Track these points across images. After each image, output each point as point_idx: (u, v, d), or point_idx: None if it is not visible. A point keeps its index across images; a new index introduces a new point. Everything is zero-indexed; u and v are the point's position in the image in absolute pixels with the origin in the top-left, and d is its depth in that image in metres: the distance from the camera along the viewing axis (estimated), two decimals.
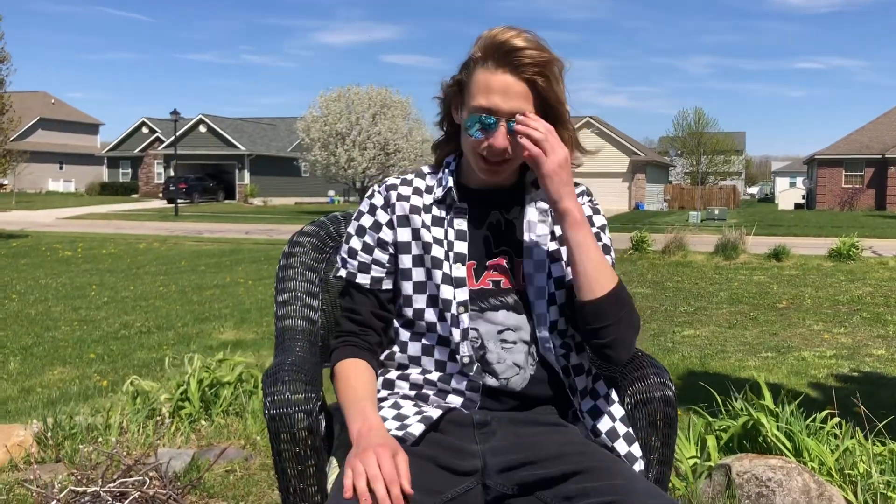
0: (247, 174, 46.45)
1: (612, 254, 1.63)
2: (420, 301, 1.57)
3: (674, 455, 1.65)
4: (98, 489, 2.08)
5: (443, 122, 1.63)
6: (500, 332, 1.53)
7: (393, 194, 1.60)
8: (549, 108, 1.49)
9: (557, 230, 1.55)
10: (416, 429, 1.49)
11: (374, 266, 1.59)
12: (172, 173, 43.93)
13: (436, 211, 1.59)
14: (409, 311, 1.58)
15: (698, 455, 2.96)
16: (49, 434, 3.34)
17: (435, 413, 1.53)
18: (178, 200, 34.61)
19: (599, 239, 1.58)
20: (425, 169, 1.67)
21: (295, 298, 2.00)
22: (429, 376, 1.57)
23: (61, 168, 57.49)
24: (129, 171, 54.08)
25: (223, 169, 47.33)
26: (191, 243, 19.25)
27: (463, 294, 1.54)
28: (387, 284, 1.61)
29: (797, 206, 46.78)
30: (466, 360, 1.52)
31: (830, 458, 2.78)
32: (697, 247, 15.76)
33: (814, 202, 43.94)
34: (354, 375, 1.54)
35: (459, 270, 1.55)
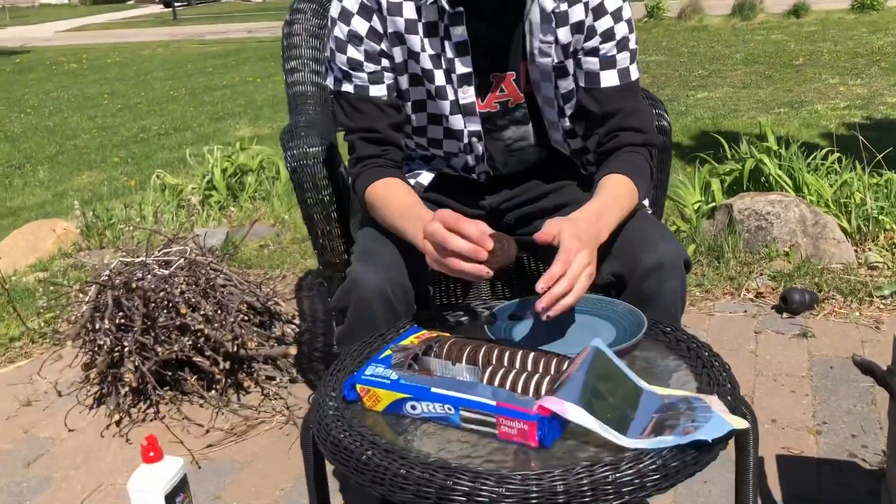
0: None
1: (633, 46, 1.42)
2: (420, 119, 1.49)
3: (668, 179, 1.78)
4: (144, 259, 2.27)
5: None
6: (507, 145, 1.52)
7: (384, 2, 1.36)
8: None
9: (561, 35, 1.38)
10: (426, 178, 1.58)
11: (385, 73, 1.40)
12: None
13: (426, 14, 1.36)
14: (407, 127, 1.50)
15: (703, 199, 3.11)
16: (90, 223, 3.55)
17: (444, 167, 1.58)
18: (175, 3, 33.41)
19: (613, 37, 1.39)
20: None
21: (302, 65, 2.07)
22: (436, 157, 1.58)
23: None
24: None
25: None
26: (194, 46, 18.85)
27: (475, 123, 1.45)
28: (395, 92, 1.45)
29: None
30: (483, 178, 1.54)
31: (828, 190, 2.91)
32: (715, 10, 15.16)
33: None
34: (395, 192, 1.39)
35: (467, 95, 1.42)
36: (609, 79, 1.41)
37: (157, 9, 40.14)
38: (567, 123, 1.47)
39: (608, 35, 1.39)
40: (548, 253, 1.61)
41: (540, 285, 1.09)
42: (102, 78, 13.83)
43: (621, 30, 1.39)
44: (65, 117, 9.76)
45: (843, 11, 14.25)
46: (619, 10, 1.39)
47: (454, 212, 1.15)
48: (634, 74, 1.44)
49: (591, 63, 1.41)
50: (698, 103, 7.64)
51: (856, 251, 2.73)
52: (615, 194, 1.34)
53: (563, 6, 1.36)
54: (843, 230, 2.79)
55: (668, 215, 3.22)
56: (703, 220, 2.96)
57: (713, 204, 3.02)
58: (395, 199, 1.37)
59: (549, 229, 1.16)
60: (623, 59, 1.41)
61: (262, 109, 9.25)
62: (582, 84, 1.43)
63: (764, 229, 2.77)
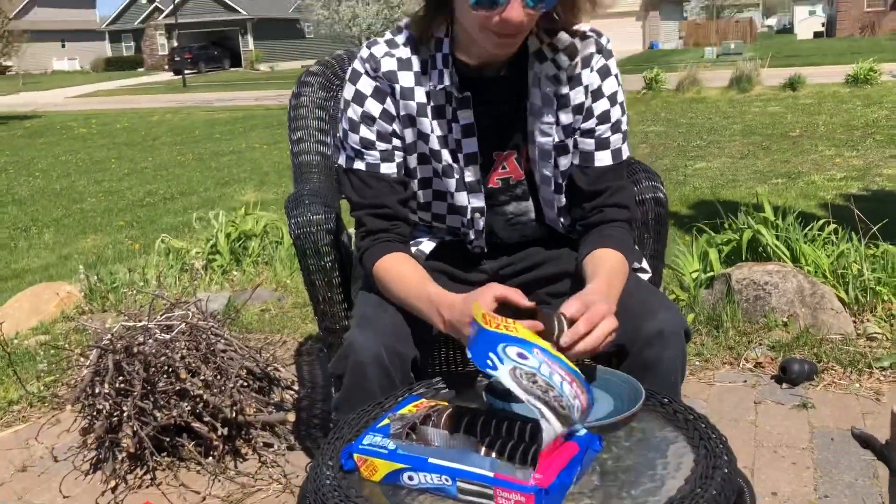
0: (251, 40, 45.47)
1: (624, 128, 1.49)
2: (426, 195, 1.53)
3: (665, 249, 1.80)
4: (146, 323, 2.29)
5: None
6: (508, 219, 1.57)
7: (397, 87, 1.41)
8: None
9: (563, 117, 1.44)
10: (427, 246, 1.61)
11: (395, 153, 1.45)
12: (176, 44, 43.09)
13: (435, 98, 1.42)
14: (412, 203, 1.53)
15: (701, 268, 3.14)
16: (94, 287, 3.58)
17: (446, 236, 1.62)
18: (185, 71, 34.13)
19: (608, 119, 1.45)
20: (403, 35, 1.44)
21: (308, 135, 2.12)
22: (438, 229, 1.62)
23: (63, 46, 56.43)
24: (132, 44, 53.09)
25: (227, 35, 46.33)
26: (203, 113, 19.21)
27: (479, 200, 1.49)
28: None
29: (816, 34, 45.26)
30: (479, 251, 1.59)
31: (825, 261, 2.94)
32: (712, 82, 15.50)
33: (834, 30, 42.46)
34: (403, 268, 1.41)
35: (473, 173, 1.47)
36: (603, 158, 1.48)
37: (168, 76, 41.00)
38: (563, 201, 1.52)
39: (604, 117, 1.45)
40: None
41: (563, 341, 1.13)
42: (111, 142, 14.07)
43: (616, 113, 1.46)
44: (72, 181, 9.89)
45: (838, 85, 14.54)
46: (615, 94, 1.46)
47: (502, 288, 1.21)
48: (625, 154, 1.51)
49: (587, 143, 1.47)
50: (697, 173, 7.75)
51: (854, 322, 2.74)
52: (616, 269, 1.38)
53: (565, 90, 1.42)
54: (841, 301, 2.80)
55: (668, 284, 3.24)
56: (702, 289, 2.98)
57: (711, 273, 3.05)
58: (407, 275, 1.40)
59: (571, 306, 1.19)
60: (616, 140, 1.48)
61: (268, 175, 9.39)
62: (576, 162, 1.48)
63: (762, 299, 2.78)
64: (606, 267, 1.38)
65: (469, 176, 1.47)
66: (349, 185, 1.48)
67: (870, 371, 2.44)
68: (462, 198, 1.49)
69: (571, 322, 1.17)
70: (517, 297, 1.20)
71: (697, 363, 2.63)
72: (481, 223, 1.53)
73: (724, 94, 14.76)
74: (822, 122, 10.87)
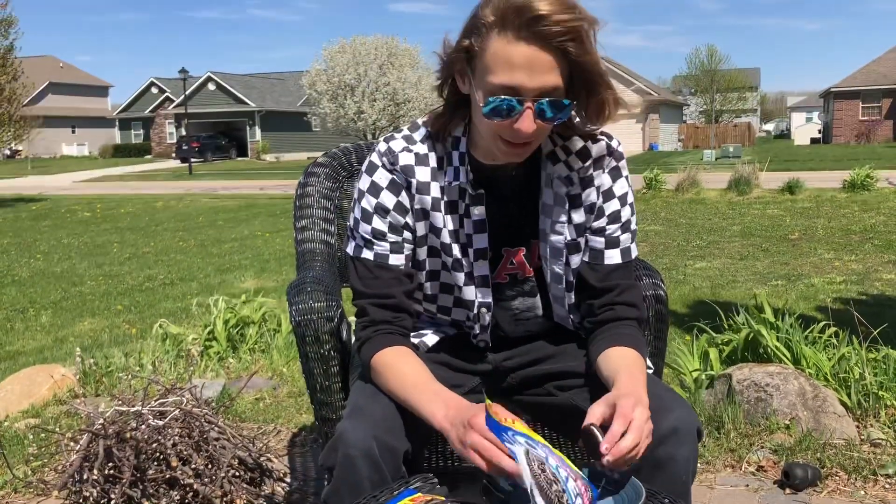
0: (258, 131, 46.49)
1: (633, 227, 1.52)
2: (433, 287, 1.54)
3: (665, 346, 1.80)
4: (140, 409, 2.26)
5: (442, 88, 1.39)
6: (514, 315, 1.58)
7: (413, 182, 1.44)
8: (584, 74, 1.26)
9: (575, 216, 1.46)
10: (431, 339, 1.61)
11: (405, 245, 1.47)
12: (184, 133, 44.03)
13: (449, 194, 1.45)
14: (418, 294, 1.55)
15: (701, 367, 3.11)
16: (88, 370, 3.54)
17: (450, 331, 1.62)
18: (192, 159, 34.78)
19: (619, 219, 1.48)
20: (420, 132, 1.46)
21: (313, 224, 2.14)
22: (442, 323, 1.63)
23: (74, 132, 57.69)
24: (141, 132, 54.22)
25: (234, 126, 47.39)
26: (207, 200, 19.44)
27: (486, 295, 1.51)
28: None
29: (813, 141, 46.31)
30: (483, 345, 1.60)
31: (826, 364, 2.92)
32: (711, 184, 15.76)
33: (830, 136, 43.46)
34: (403, 362, 1.41)
35: (482, 268, 1.49)
36: (612, 256, 1.50)
37: (174, 163, 41.74)
38: (573, 298, 1.53)
39: (615, 217, 1.49)
40: (553, 418, 1.61)
41: (604, 446, 1.12)
42: (114, 227, 14.18)
43: (626, 213, 1.49)
44: (73, 264, 9.92)
45: (836, 190, 14.78)
46: (626, 195, 1.49)
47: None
48: (634, 253, 1.53)
49: (597, 242, 1.50)
50: (696, 273, 7.78)
51: (857, 426, 2.70)
52: (635, 365, 1.38)
53: (577, 190, 1.46)
54: (844, 404, 2.77)
55: (668, 383, 3.21)
56: (703, 389, 2.95)
57: (712, 373, 3.02)
58: (407, 370, 1.39)
59: (596, 411, 1.19)
60: (626, 239, 1.51)
61: (269, 263, 9.42)
62: (586, 259, 1.50)
63: (764, 401, 2.75)
64: (626, 364, 1.37)
65: (478, 271, 1.49)
66: (355, 273, 1.49)
67: (874, 478, 2.39)
68: (470, 292, 1.51)
69: (604, 428, 1.15)
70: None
71: (699, 465, 2.58)
72: (487, 318, 1.54)
73: (724, 196, 14.98)
74: (821, 225, 10.99)
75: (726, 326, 3.38)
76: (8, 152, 40.13)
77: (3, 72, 21.05)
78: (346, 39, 32.54)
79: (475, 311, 1.52)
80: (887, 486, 2.36)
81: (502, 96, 1.25)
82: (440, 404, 1.28)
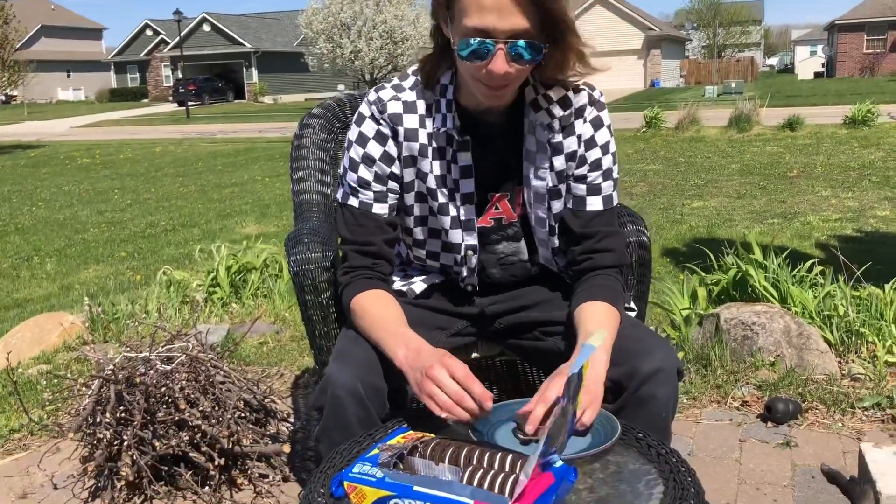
0: (255, 72, 46.00)
1: (615, 176, 1.57)
2: (421, 233, 1.61)
3: (648, 290, 1.88)
4: (148, 354, 2.35)
5: (434, 34, 1.47)
6: (499, 258, 1.64)
7: (400, 130, 1.51)
8: (552, 21, 1.32)
9: (556, 163, 1.52)
10: (419, 287, 1.68)
11: (389, 194, 1.54)
12: (180, 75, 43.62)
13: (437, 140, 1.52)
14: (408, 240, 1.64)
15: (691, 306, 3.20)
16: (96, 317, 3.64)
17: (438, 278, 1.69)
18: (189, 103, 34.51)
19: (600, 167, 1.53)
20: (410, 80, 1.53)
21: (309, 175, 2.20)
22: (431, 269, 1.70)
23: (69, 76, 57.11)
24: (137, 75, 53.68)
25: (231, 68, 46.87)
26: (205, 144, 19.39)
27: (473, 238, 1.58)
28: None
29: (817, 75, 45.78)
30: (471, 289, 1.67)
31: (811, 302, 3.00)
32: (712, 122, 15.67)
33: (834, 70, 42.96)
34: (379, 305, 1.49)
35: (468, 212, 1.55)
36: (594, 203, 1.56)
37: (171, 107, 41.41)
38: (556, 242, 1.60)
39: (596, 165, 1.54)
40: (538, 357, 1.69)
41: (528, 427, 1.21)
42: (114, 173, 14.19)
43: (607, 161, 1.55)
44: (75, 211, 9.99)
45: (836, 126, 14.71)
46: (607, 143, 1.55)
47: (464, 367, 1.26)
48: (615, 200, 1.60)
49: (579, 189, 1.56)
50: (694, 212, 7.83)
51: (839, 362, 2.80)
52: (608, 325, 1.44)
53: (559, 137, 1.52)
54: (827, 341, 2.86)
55: (659, 322, 3.31)
56: (692, 327, 3.04)
57: (700, 312, 3.11)
58: (378, 312, 1.47)
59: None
60: (607, 186, 1.57)
61: (269, 208, 9.48)
62: (569, 206, 1.57)
63: (750, 339, 2.85)
64: (597, 323, 1.43)
65: (464, 214, 1.55)
66: (342, 219, 1.58)
67: (852, 411, 2.50)
68: (456, 235, 1.57)
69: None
70: (471, 381, 1.24)
71: (685, 401, 2.68)
72: (474, 260, 1.61)
73: (724, 134, 14.92)
74: (820, 162, 10.99)
75: (716, 266, 3.46)
76: (3, 98, 39.78)
77: None
78: None
79: (462, 253, 1.59)
80: (864, 418, 2.47)
81: (476, 38, 1.31)
82: (401, 345, 1.36)
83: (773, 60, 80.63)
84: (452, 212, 1.55)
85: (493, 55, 1.32)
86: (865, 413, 2.48)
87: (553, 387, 1.24)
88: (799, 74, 48.76)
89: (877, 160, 10.86)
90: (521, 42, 1.32)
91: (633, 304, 1.72)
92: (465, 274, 1.64)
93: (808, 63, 49.75)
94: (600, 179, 1.55)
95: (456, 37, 1.36)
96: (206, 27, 46.11)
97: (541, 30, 1.33)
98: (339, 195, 1.59)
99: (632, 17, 41.38)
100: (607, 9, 40.81)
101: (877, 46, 41.05)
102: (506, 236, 1.62)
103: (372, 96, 1.53)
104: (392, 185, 1.54)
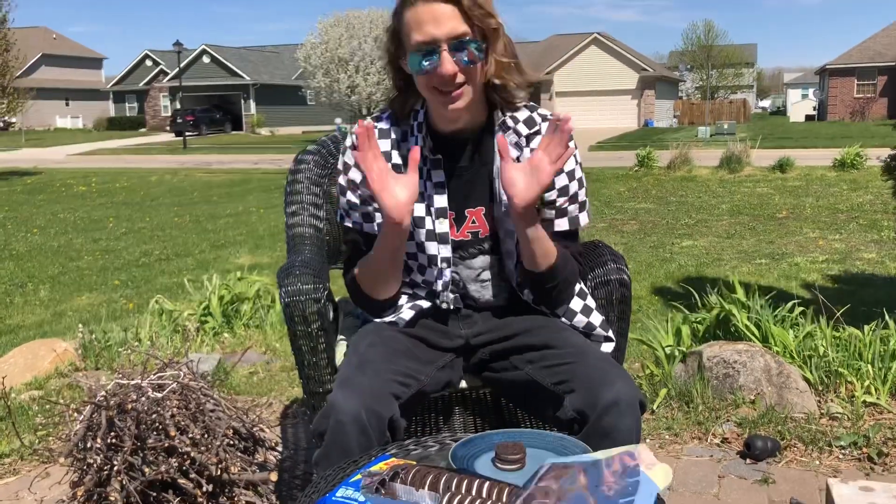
0: (252, 104, 46.35)
1: (581, 199, 1.69)
2: (410, 246, 1.70)
3: (628, 327, 1.94)
4: (139, 382, 2.39)
5: (395, 78, 1.65)
6: (477, 274, 1.73)
7: None
8: (480, 27, 1.51)
9: None
10: (407, 314, 1.75)
11: (376, 214, 1.67)
12: (179, 106, 43.91)
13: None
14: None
15: (674, 344, 3.26)
16: (88, 344, 3.68)
17: (425, 304, 1.76)
18: (186, 133, 34.69)
19: (566, 192, 1.65)
20: (386, 112, 1.71)
21: (302, 209, 2.27)
22: (417, 291, 1.79)
23: (67, 104, 57.40)
24: (136, 105, 54.00)
25: (229, 100, 47.22)
26: (201, 175, 19.50)
27: (447, 250, 1.68)
28: None
29: (808, 118, 46.30)
30: (445, 306, 1.75)
31: (792, 342, 3.07)
32: (704, 161, 15.87)
33: (825, 113, 43.48)
34: (364, 259, 1.68)
35: (443, 225, 1.66)
36: (561, 224, 1.70)
37: (169, 137, 41.58)
38: None
39: (563, 191, 1.67)
40: (516, 394, 1.75)
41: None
42: (109, 201, 14.27)
43: (573, 187, 1.67)
44: (70, 238, 10.04)
45: (826, 168, 14.92)
46: (573, 171, 1.67)
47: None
48: (583, 221, 1.72)
49: (548, 213, 1.67)
50: (683, 251, 7.94)
51: (818, 401, 2.86)
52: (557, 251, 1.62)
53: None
54: (807, 380, 2.92)
55: (644, 359, 3.36)
56: (676, 365, 3.10)
57: (683, 349, 3.17)
58: (366, 257, 1.67)
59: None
60: (573, 209, 1.70)
61: (263, 239, 9.55)
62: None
63: (731, 377, 2.91)
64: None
65: (438, 228, 1.67)
66: (343, 235, 1.79)
67: (830, 449, 2.55)
68: (432, 247, 1.68)
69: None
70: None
71: (667, 437, 2.73)
72: (447, 273, 1.70)
73: (715, 174, 15.10)
74: (809, 204, 11.14)
75: (700, 305, 3.53)
76: (1, 124, 39.93)
77: None
78: (341, 12, 32.37)
79: (438, 265, 1.68)
80: (841, 456, 2.52)
81: (422, 49, 1.51)
82: (386, 223, 1.56)
83: (766, 103, 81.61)
84: (428, 225, 1.67)
85: (441, 58, 1.50)
86: (843, 451, 2.54)
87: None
88: (791, 117, 49.33)
89: (865, 203, 11.01)
90: (461, 41, 1.50)
91: (611, 334, 1.79)
92: (440, 287, 1.72)
93: (799, 106, 50.37)
94: (567, 204, 1.68)
95: (408, 59, 1.55)
96: (206, 59, 46.55)
97: (477, 33, 1.52)
98: (338, 216, 1.77)
99: (626, 58, 41.91)
100: (602, 49, 41.37)
101: (867, 91, 41.63)
102: (482, 250, 1.72)
103: (354, 129, 1.66)
104: (375, 205, 1.65)
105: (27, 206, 14.02)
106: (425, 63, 1.52)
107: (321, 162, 2.32)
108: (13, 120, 40.43)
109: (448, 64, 1.50)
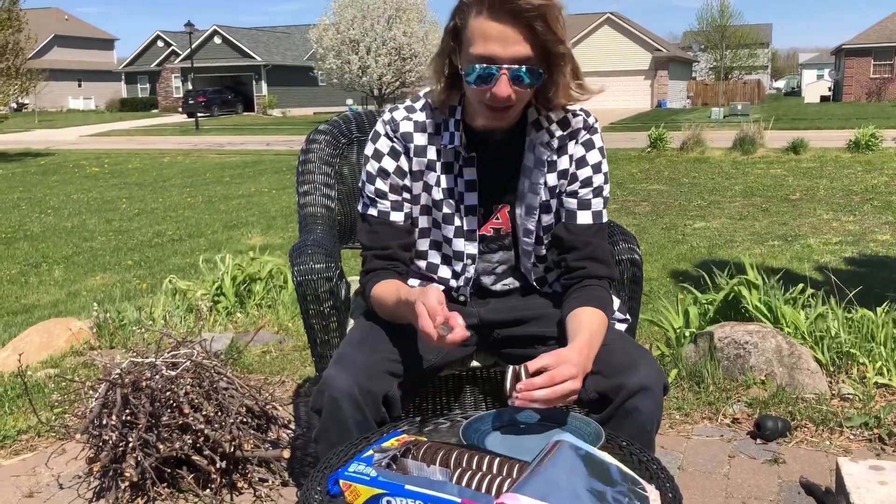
0: (264, 85, 46.30)
1: (605, 194, 1.68)
2: (423, 244, 1.72)
3: (640, 306, 1.94)
4: (154, 360, 2.42)
5: (441, 71, 1.58)
6: (494, 268, 1.75)
7: (411, 146, 1.64)
8: (549, 51, 1.46)
9: (550, 179, 1.64)
10: None
11: (405, 204, 1.67)
12: (190, 87, 43.93)
13: (445, 156, 1.65)
14: (412, 252, 1.73)
15: (683, 325, 3.26)
16: (103, 323, 3.72)
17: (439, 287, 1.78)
18: (198, 114, 34.72)
19: (590, 184, 1.65)
20: (421, 102, 1.67)
21: (314, 189, 2.28)
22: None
23: (80, 85, 57.55)
24: (147, 86, 54.06)
25: (240, 80, 47.19)
26: (213, 156, 19.54)
27: (473, 248, 1.69)
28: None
29: (823, 98, 45.86)
30: (463, 299, 1.76)
31: (803, 323, 3.06)
32: (717, 143, 15.77)
33: (840, 94, 43.07)
34: (394, 288, 1.59)
35: (471, 223, 1.68)
36: (584, 217, 1.68)
37: (181, 118, 41.68)
38: (542, 251, 1.72)
39: (587, 183, 1.67)
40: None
41: (519, 386, 1.28)
42: (122, 182, 14.32)
43: (598, 180, 1.68)
44: (83, 219, 10.10)
45: (840, 150, 14.79)
46: (599, 164, 1.68)
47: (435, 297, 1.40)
48: (605, 217, 1.71)
49: (571, 203, 1.68)
50: (696, 233, 7.91)
51: (829, 382, 2.86)
52: (596, 330, 1.53)
53: (554, 157, 1.65)
54: (818, 361, 2.92)
55: (654, 340, 3.37)
56: (686, 345, 3.10)
57: (694, 330, 3.17)
58: (397, 291, 1.58)
59: (543, 360, 1.33)
60: (597, 203, 1.68)
61: (275, 220, 9.58)
62: (562, 219, 1.68)
63: (742, 357, 2.91)
64: (588, 326, 1.52)
65: (467, 225, 1.68)
66: (362, 228, 1.71)
67: (840, 430, 2.55)
68: (459, 244, 1.69)
69: (536, 374, 1.30)
70: (455, 320, 1.37)
71: (678, 416, 2.74)
72: (471, 270, 1.72)
73: (728, 155, 15.00)
74: (823, 186, 11.06)
75: (710, 287, 3.53)
76: (15, 105, 40.11)
77: (9, 25, 20.99)
78: None
79: (463, 262, 1.69)
80: (851, 437, 2.52)
81: (481, 65, 1.45)
82: (413, 315, 1.44)
83: (780, 83, 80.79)
84: (457, 222, 1.68)
85: (497, 79, 1.45)
86: (853, 432, 2.54)
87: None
88: (805, 98, 48.86)
89: (879, 184, 10.92)
90: (522, 68, 1.45)
91: (627, 315, 1.80)
92: (461, 283, 1.73)
93: (814, 87, 49.86)
94: (591, 196, 1.67)
95: (464, 63, 1.50)
96: (217, 40, 46.48)
97: (540, 57, 1.46)
98: (359, 207, 1.72)
99: (639, 38, 41.58)
100: (615, 29, 41.05)
101: (883, 71, 41.18)
102: (502, 246, 1.73)
103: (386, 116, 1.68)
104: (405, 195, 1.67)
105: (41, 186, 14.09)
106: (481, 79, 1.46)
107: (333, 142, 2.32)
108: (26, 101, 40.62)
109: (504, 87, 1.46)
